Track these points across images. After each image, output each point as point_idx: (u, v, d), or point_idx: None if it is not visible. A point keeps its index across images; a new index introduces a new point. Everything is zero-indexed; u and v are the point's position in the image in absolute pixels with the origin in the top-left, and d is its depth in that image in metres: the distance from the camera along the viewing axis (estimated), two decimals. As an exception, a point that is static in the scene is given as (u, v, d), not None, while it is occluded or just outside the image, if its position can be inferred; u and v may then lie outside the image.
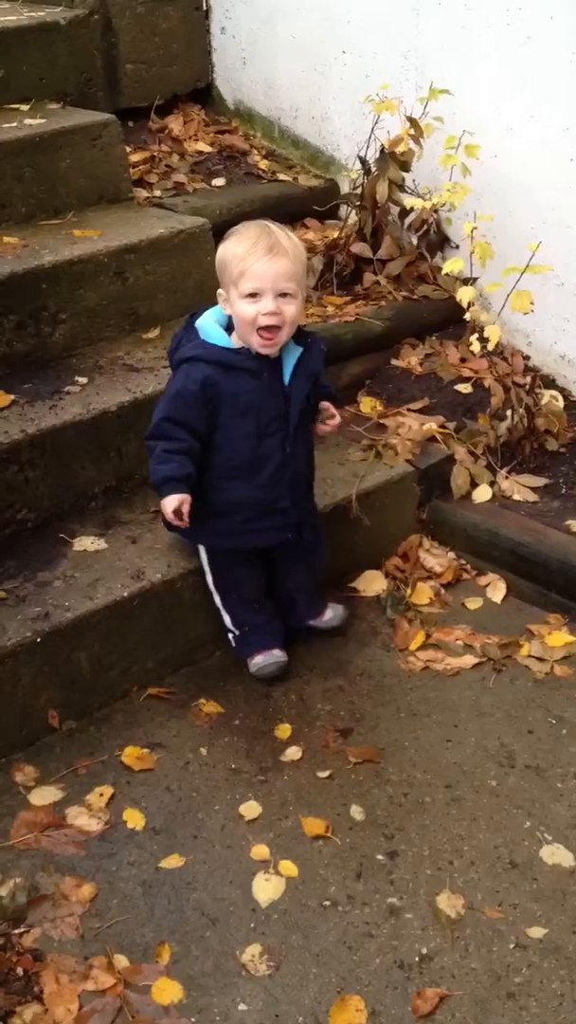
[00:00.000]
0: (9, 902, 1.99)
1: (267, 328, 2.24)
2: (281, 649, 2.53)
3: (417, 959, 1.91)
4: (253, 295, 2.21)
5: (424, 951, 1.93)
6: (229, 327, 2.35)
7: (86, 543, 2.58)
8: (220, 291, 2.31)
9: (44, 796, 2.22)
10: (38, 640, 2.30)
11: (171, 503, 2.27)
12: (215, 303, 2.36)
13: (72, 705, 2.40)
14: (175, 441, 2.28)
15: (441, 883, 2.05)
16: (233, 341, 2.33)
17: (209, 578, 2.50)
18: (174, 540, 2.55)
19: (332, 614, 2.67)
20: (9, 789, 2.24)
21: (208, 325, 2.34)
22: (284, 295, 2.22)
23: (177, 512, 2.27)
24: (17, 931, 1.94)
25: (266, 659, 2.51)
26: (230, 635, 2.55)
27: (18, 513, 2.59)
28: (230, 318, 2.33)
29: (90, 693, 2.43)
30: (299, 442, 2.42)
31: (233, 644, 2.56)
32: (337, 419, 2.54)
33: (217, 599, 2.51)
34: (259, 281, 2.20)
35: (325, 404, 2.51)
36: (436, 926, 1.97)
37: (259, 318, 2.22)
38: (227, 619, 2.53)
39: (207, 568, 2.49)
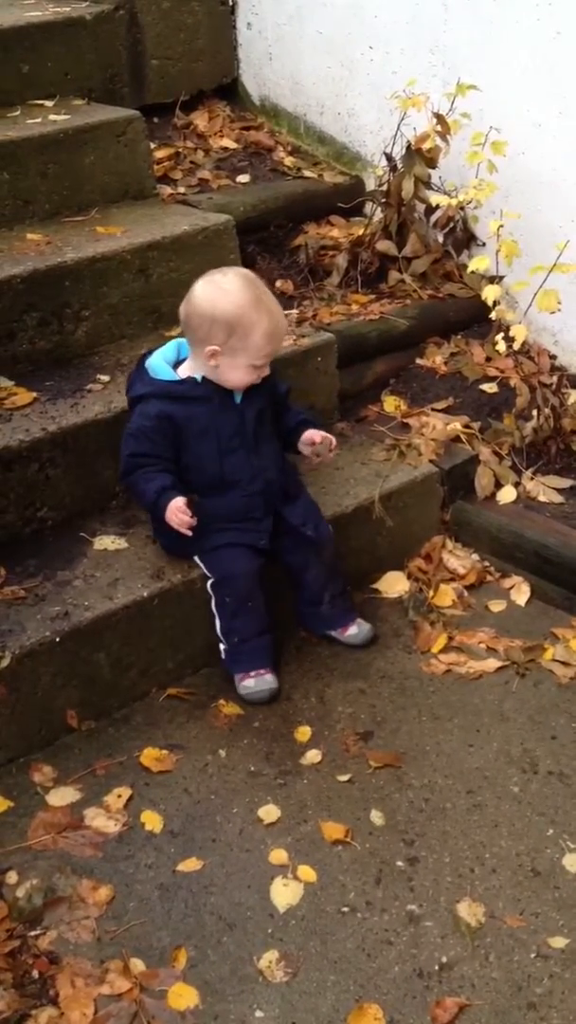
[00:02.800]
0: (25, 904, 1.98)
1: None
2: (272, 672, 2.49)
3: (437, 967, 1.89)
4: (260, 367, 2.41)
5: (444, 959, 1.90)
6: (175, 364, 2.50)
7: (106, 542, 2.57)
8: (211, 347, 2.36)
9: (62, 797, 2.21)
10: (57, 640, 2.29)
11: (177, 502, 2.35)
12: None
13: (91, 705, 2.39)
14: (149, 467, 2.41)
15: (462, 890, 2.02)
16: (179, 373, 2.45)
17: (209, 581, 2.47)
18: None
19: (356, 631, 2.64)
20: (27, 789, 2.23)
21: (155, 364, 2.48)
22: None
23: (183, 511, 2.34)
24: (33, 933, 1.93)
25: (257, 684, 2.47)
26: (221, 646, 2.50)
27: (39, 511, 2.58)
28: (178, 354, 2.49)
29: (109, 693, 2.42)
30: (264, 454, 2.49)
31: (223, 657, 2.51)
32: (332, 444, 2.61)
33: (213, 601, 2.47)
34: (270, 359, 2.42)
35: (311, 436, 2.58)
36: (456, 934, 1.94)
37: (255, 380, 2.43)
38: (218, 624, 2.48)
39: (204, 569, 2.48)
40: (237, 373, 2.39)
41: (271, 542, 2.51)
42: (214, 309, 2.34)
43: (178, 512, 2.34)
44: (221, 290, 2.36)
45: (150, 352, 2.51)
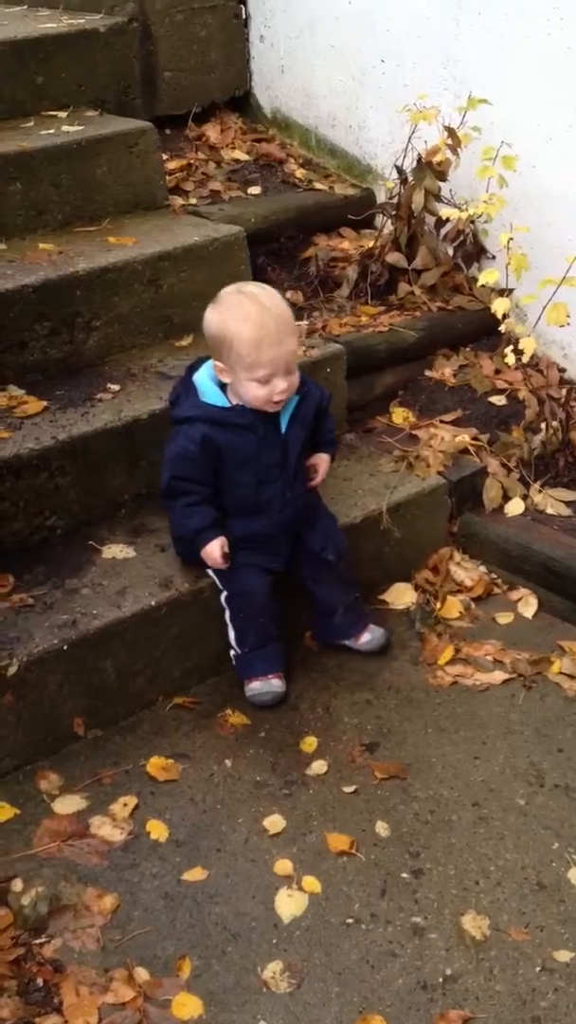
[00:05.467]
0: (31, 911, 1.98)
1: (278, 402, 2.36)
2: (279, 678, 2.50)
3: (441, 980, 1.88)
4: (265, 380, 2.31)
5: (448, 972, 1.90)
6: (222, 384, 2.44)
7: (115, 551, 2.58)
8: (218, 363, 2.36)
9: (68, 805, 2.22)
10: (65, 648, 2.29)
11: (215, 548, 2.38)
12: None
13: (98, 713, 2.39)
14: (191, 495, 2.40)
15: (466, 903, 2.02)
16: (229, 399, 2.40)
17: (223, 595, 2.48)
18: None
19: (369, 637, 2.64)
20: (33, 797, 2.23)
21: (204, 383, 2.42)
22: (290, 371, 2.35)
23: (219, 559, 2.38)
24: (38, 941, 1.93)
25: (263, 686, 2.48)
26: (232, 652, 2.52)
27: (48, 520, 2.59)
28: None
29: (116, 702, 2.42)
30: (298, 484, 2.49)
31: (233, 663, 2.53)
32: (319, 478, 2.58)
33: (227, 614, 2.49)
34: (272, 368, 2.30)
35: (312, 462, 2.56)
36: (460, 947, 1.94)
37: (274, 396, 2.33)
38: (232, 635, 2.50)
39: (218, 582, 2.48)
40: (248, 389, 2.33)
41: (286, 563, 2.53)
42: (207, 328, 2.36)
43: (214, 556, 2.38)
44: (212, 307, 2.37)
45: (199, 362, 2.47)
